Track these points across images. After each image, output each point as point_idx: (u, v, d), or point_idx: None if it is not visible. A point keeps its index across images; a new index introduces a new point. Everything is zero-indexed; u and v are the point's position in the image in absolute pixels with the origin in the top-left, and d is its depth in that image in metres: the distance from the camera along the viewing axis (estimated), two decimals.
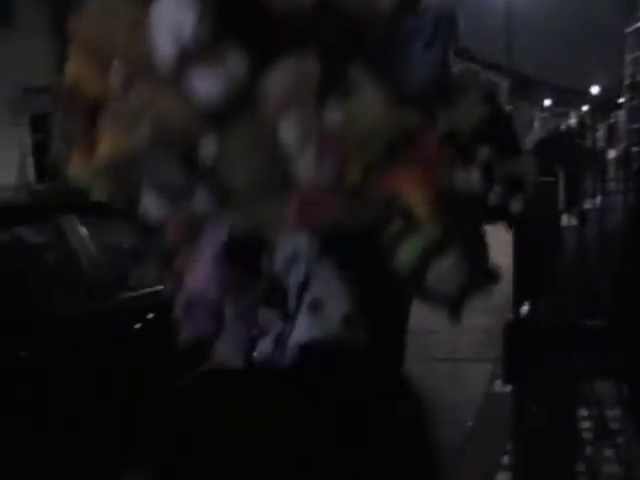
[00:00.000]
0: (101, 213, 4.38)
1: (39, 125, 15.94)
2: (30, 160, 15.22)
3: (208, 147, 1.42)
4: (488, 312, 6.69)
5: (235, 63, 1.34)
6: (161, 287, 4.04)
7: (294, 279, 1.44)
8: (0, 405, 2.92)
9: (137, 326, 3.66)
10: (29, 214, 3.75)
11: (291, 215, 1.40)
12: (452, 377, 4.62)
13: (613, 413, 3.67)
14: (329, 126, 1.36)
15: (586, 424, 3.67)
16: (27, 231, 3.76)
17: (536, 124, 27.53)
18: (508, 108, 1.75)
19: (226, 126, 1.38)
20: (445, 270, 1.43)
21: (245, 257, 1.55)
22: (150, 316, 3.77)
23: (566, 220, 5.58)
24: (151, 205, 1.56)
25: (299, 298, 1.44)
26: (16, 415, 2.97)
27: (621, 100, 27.42)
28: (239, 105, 1.37)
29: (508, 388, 4.46)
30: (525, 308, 5.03)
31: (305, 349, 1.43)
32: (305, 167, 1.35)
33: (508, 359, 4.83)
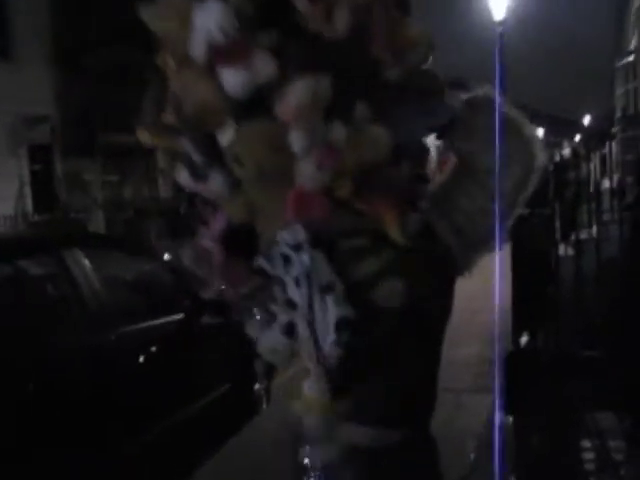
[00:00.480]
0: (104, 245, 4.44)
1: (37, 156, 16.05)
2: (28, 190, 15.26)
3: (227, 134, 1.64)
4: (487, 342, 6.70)
5: (262, 68, 1.57)
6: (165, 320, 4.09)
7: (297, 269, 1.58)
8: (9, 436, 2.93)
9: (141, 359, 3.66)
10: (33, 247, 3.77)
11: (288, 207, 1.59)
12: (454, 408, 4.62)
13: (616, 444, 3.68)
14: (332, 141, 1.59)
15: (589, 455, 3.68)
16: (31, 264, 3.78)
17: None
18: None
19: (246, 118, 1.61)
20: (387, 290, 1.60)
21: (239, 244, 1.73)
22: (153, 349, 3.78)
23: (563, 250, 5.63)
24: (181, 177, 1.77)
25: (309, 285, 1.58)
26: (23, 447, 2.97)
27: (613, 131, 27.63)
28: (260, 103, 1.59)
29: (510, 419, 4.48)
30: (524, 339, 5.07)
31: (340, 327, 1.58)
32: (305, 170, 1.58)
33: (508, 390, 4.86)
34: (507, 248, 5.27)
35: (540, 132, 42.92)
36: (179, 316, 4.18)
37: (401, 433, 1.75)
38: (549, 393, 4.24)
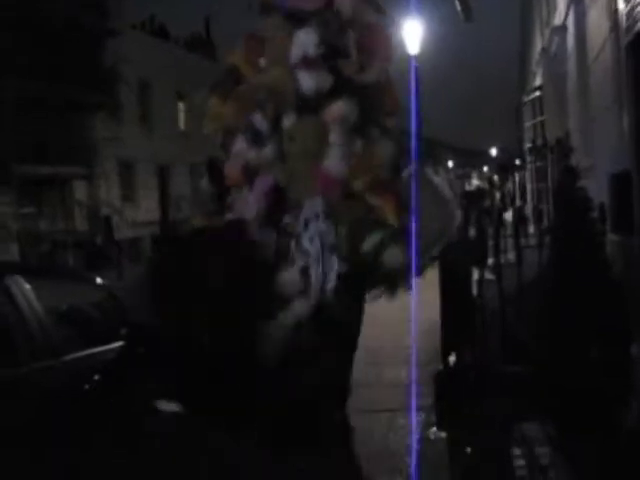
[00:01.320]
0: (47, 274, 4.41)
1: None
2: None
3: (290, 118, 2.39)
4: (419, 364, 6.94)
5: (325, 80, 2.36)
6: (109, 347, 4.07)
7: (313, 230, 2.23)
8: None
9: (85, 387, 3.67)
10: None
11: (318, 182, 2.29)
12: (390, 427, 4.81)
13: (542, 450, 3.94)
14: (353, 148, 2.36)
15: (520, 462, 3.93)
16: None
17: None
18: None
19: (302, 111, 2.37)
20: (393, 254, 2.23)
21: (280, 202, 2.37)
22: (97, 377, 3.78)
23: (484, 274, 5.95)
24: (241, 141, 2.46)
25: (322, 243, 2.22)
26: None
27: (519, 162, 28.92)
28: (316, 104, 2.35)
29: (443, 434, 4.70)
30: (452, 359, 5.33)
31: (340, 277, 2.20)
32: (335, 157, 2.33)
33: (440, 407, 5.09)
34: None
35: (449, 164, 44.50)
36: (118, 344, 4.19)
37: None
38: (478, 408, 4.49)
